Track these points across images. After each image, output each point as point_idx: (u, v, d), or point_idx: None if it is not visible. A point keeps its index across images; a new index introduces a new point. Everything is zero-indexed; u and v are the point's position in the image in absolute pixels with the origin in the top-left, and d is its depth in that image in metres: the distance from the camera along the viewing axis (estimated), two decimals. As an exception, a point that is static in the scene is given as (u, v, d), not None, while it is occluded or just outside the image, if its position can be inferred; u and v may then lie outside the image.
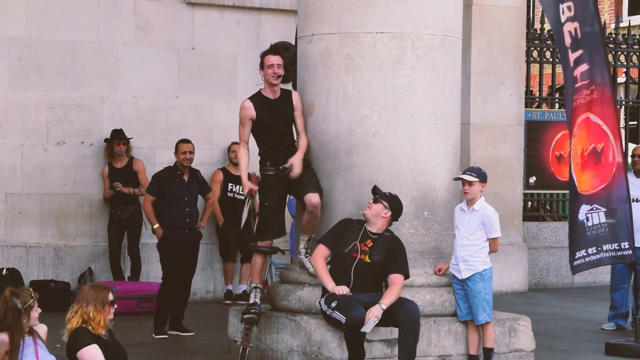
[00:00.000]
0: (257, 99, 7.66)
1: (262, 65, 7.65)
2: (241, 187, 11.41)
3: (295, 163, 7.47)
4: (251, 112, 7.58)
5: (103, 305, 6.19)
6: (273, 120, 7.57)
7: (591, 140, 8.39)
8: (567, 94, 8.50)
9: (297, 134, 7.68)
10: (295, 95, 7.70)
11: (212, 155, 11.59)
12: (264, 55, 7.69)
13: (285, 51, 11.39)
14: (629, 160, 10.37)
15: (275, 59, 7.60)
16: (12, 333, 5.91)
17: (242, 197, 11.41)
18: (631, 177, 9.79)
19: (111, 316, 6.25)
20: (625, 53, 13.92)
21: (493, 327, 7.32)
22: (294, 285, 7.62)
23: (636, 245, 9.36)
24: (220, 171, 11.48)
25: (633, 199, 9.56)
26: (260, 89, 7.72)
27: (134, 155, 11.17)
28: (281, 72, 7.60)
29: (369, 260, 7.06)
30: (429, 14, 7.56)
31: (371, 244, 7.08)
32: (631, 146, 14.77)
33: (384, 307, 6.83)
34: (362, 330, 6.74)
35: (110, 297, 6.24)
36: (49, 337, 6.19)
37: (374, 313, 6.76)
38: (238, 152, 7.80)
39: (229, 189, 11.44)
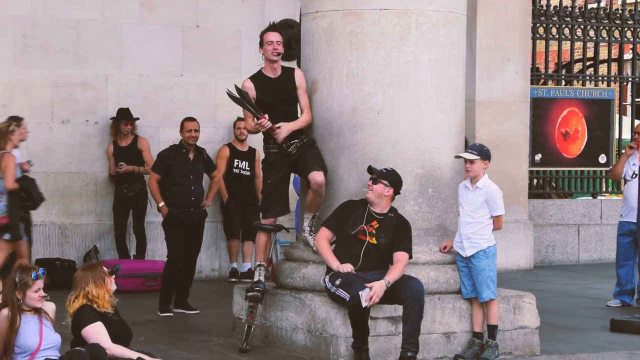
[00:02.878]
0: (257, 78, 7.64)
1: (261, 44, 7.63)
2: (247, 164, 11.43)
3: (284, 127, 7.43)
4: (251, 91, 7.57)
5: (103, 280, 6.22)
6: (273, 99, 7.55)
7: None
8: None
9: (301, 111, 7.66)
10: (298, 74, 7.67)
11: (217, 133, 11.58)
12: (262, 33, 7.67)
13: (290, 28, 11.39)
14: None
15: (274, 36, 7.58)
16: (9, 307, 5.94)
17: (248, 174, 11.45)
18: (638, 153, 9.81)
19: (114, 286, 6.26)
20: (632, 29, 13.86)
21: (497, 304, 7.32)
22: (299, 263, 7.63)
23: (635, 220, 9.44)
24: (226, 147, 11.47)
25: (637, 174, 9.61)
26: (261, 68, 7.70)
27: (139, 134, 11.17)
28: (280, 49, 7.58)
29: (375, 242, 7.06)
30: (433, -10, 7.52)
31: (377, 225, 7.08)
32: (638, 123, 14.74)
33: (389, 284, 6.83)
34: (363, 305, 6.73)
35: (105, 269, 6.27)
36: (55, 315, 6.22)
37: (375, 289, 6.76)
38: (247, 123, 7.73)
39: (235, 165, 11.44)
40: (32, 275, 5.97)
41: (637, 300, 9.24)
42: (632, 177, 9.75)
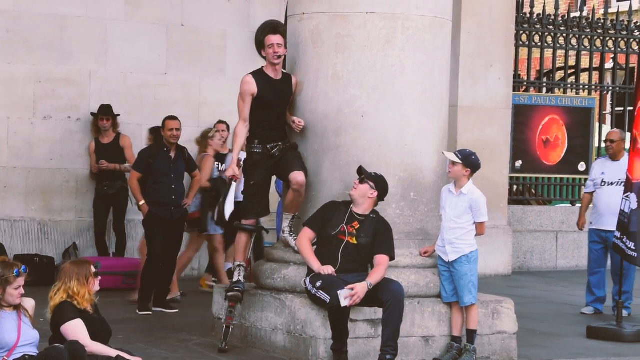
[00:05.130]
0: (259, 75, 7.63)
1: (262, 46, 7.62)
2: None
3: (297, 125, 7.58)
4: (253, 87, 7.57)
5: (87, 279, 6.20)
6: (272, 100, 7.57)
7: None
8: None
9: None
10: (294, 81, 7.68)
11: (200, 132, 11.55)
12: (261, 35, 7.66)
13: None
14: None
15: (276, 39, 7.59)
16: None
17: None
18: (607, 161, 9.90)
19: (97, 288, 6.26)
20: (614, 39, 13.96)
21: (477, 309, 7.36)
22: (280, 264, 7.64)
23: (606, 228, 9.55)
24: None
25: (607, 182, 9.72)
26: (262, 67, 7.70)
27: (121, 131, 11.15)
28: (281, 51, 7.58)
29: (355, 242, 7.08)
30: (419, -5, 7.56)
31: (358, 225, 7.10)
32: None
33: (371, 286, 6.85)
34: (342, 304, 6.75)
35: (93, 269, 6.26)
36: (34, 312, 6.20)
37: (357, 289, 6.78)
38: (236, 128, 7.67)
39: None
40: (14, 272, 5.94)
41: (613, 308, 9.30)
42: (601, 185, 9.83)
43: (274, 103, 7.56)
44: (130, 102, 11.30)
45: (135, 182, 9.41)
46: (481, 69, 12.29)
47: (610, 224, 9.59)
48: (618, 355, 8.07)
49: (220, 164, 11.43)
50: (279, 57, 7.58)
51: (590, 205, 10.12)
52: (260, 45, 7.71)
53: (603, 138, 14.53)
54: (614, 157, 9.82)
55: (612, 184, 9.69)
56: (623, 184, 9.56)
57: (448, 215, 7.33)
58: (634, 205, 8.44)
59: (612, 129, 14.35)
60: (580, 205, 11.18)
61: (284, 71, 7.73)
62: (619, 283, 9.15)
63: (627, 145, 12.95)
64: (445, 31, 7.72)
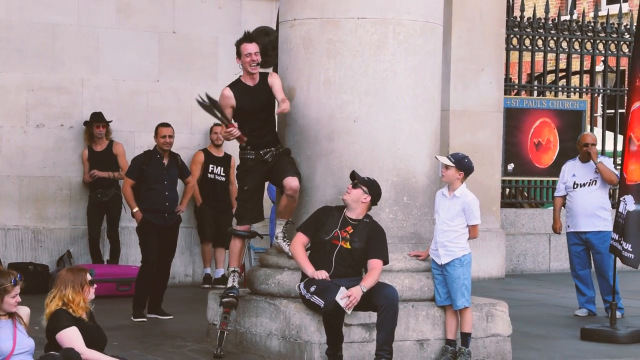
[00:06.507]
0: (236, 86, 7.67)
1: (239, 54, 7.66)
2: (222, 169, 11.45)
3: (285, 105, 7.40)
4: (231, 100, 7.61)
5: (82, 287, 6.22)
6: (253, 108, 7.59)
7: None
8: None
9: (279, 104, 7.54)
10: (270, 76, 7.67)
11: (192, 139, 11.59)
12: (239, 43, 7.70)
13: (266, 36, 11.44)
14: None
15: (252, 47, 7.61)
16: None
17: (223, 179, 11.47)
18: (576, 163, 9.94)
19: (92, 296, 6.28)
20: (604, 42, 14.01)
21: (471, 312, 7.38)
22: (274, 269, 7.66)
23: (584, 229, 9.56)
24: (201, 152, 11.49)
25: (580, 184, 9.77)
26: (240, 76, 7.73)
27: (114, 139, 11.16)
28: (258, 59, 7.61)
29: (349, 247, 7.10)
30: (410, -1, 7.59)
31: (351, 230, 7.12)
32: (609, 134, 14.90)
33: (365, 290, 6.88)
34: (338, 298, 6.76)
35: (88, 277, 6.28)
36: (29, 320, 6.21)
37: (353, 292, 6.80)
38: (222, 129, 7.75)
39: (210, 170, 11.46)
40: (12, 281, 5.98)
41: (606, 309, 9.33)
42: (573, 188, 9.87)
43: (254, 110, 7.58)
44: (122, 110, 11.31)
45: (129, 189, 9.42)
46: (472, 73, 12.32)
47: (587, 224, 9.71)
48: (612, 357, 8.09)
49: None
50: (257, 64, 7.60)
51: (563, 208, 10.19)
52: (237, 53, 7.71)
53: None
54: (585, 159, 9.88)
55: (584, 185, 9.77)
56: (595, 183, 9.68)
57: (441, 218, 7.36)
58: (631, 207, 8.46)
59: (603, 131, 14.43)
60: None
61: (262, 71, 7.72)
62: (607, 283, 9.19)
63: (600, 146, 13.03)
64: (436, 36, 7.76)
